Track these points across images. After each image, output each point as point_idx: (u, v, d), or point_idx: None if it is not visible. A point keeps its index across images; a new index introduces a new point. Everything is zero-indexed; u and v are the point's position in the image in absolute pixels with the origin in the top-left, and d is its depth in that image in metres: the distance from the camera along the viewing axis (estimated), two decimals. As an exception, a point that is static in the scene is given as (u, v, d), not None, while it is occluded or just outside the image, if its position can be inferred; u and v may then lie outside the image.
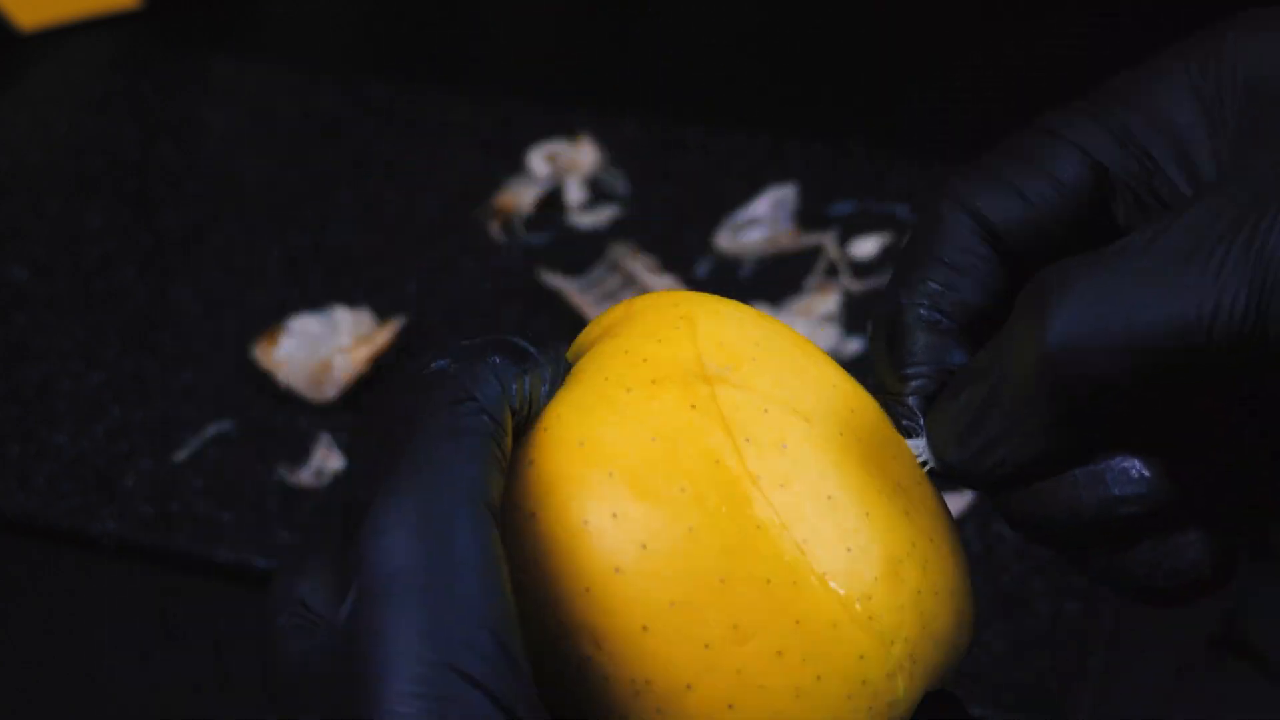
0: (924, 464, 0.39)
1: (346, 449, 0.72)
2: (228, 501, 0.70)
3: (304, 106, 0.94)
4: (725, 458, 0.36)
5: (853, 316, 0.78)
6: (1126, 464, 0.37)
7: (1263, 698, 0.62)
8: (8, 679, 0.65)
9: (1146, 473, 0.37)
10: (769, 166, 0.88)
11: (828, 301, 0.79)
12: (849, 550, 0.36)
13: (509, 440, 0.36)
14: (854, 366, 0.76)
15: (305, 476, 0.71)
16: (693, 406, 0.37)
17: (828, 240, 0.82)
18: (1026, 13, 1.01)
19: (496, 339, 0.37)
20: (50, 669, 0.65)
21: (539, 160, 0.88)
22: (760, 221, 0.84)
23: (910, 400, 0.39)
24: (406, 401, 0.35)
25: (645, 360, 0.39)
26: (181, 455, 0.72)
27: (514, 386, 0.36)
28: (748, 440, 0.37)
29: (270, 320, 0.78)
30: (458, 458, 0.34)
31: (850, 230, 0.83)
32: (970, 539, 0.67)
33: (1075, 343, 0.35)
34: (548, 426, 0.37)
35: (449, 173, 0.88)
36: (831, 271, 0.81)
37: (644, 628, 0.35)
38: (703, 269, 0.82)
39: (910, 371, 0.40)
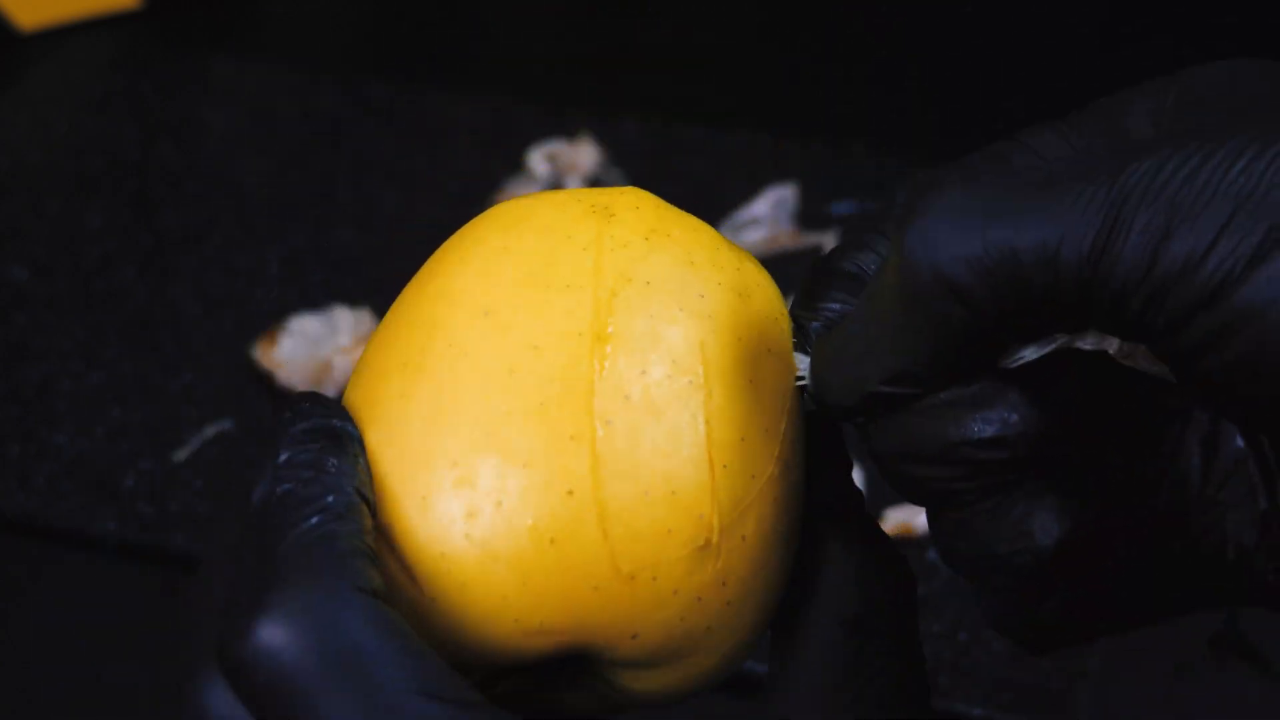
0: (800, 381, 0.39)
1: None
2: (228, 502, 0.70)
3: (304, 106, 0.94)
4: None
5: (853, 316, 0.78)
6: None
7: (1263, 698, 0.62)
8: (8, 679, 0.65)
9: (1013, 415, 0.36)
10: (769, 166, 0.88)
11: (828, 301, 0.79)
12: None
13: (368, 520, 0.36)
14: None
15: (305, 476, 0.71)
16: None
17: (828, 240, 0.82)
18: (1027, 12, 1.01)
19: (298, 434, 0.36)
20: (50, 669, 0.65)
21: (539, 160, 0.88)
22: (760, 221, 0.84)
23: (813, 326, 0.39)
24: (260, 542, 0.35)
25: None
26: (181, 455, 0.72)
27: (352, 476, 0.36)
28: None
29: (270, 320, 0.78)
30: (332, 575, 0.34)
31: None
32: (970, 539, 0.67)
33: (931, 249, 0.35)
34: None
35: (449, 173, 0.88)
36: (831, 271, 0.81)
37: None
38: (703, 269, 0.82)
39: (823, 307, 0.39)
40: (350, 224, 0.85)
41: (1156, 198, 0.33)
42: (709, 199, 0.86)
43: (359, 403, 0.38)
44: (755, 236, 0.83)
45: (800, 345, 0.39)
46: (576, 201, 0.40)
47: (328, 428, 0.36)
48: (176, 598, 0.68)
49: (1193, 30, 0.99)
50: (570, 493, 0.36)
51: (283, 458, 0.36)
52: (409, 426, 0.37)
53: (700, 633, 0.37)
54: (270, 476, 0.35)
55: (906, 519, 0.68)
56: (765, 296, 0.41)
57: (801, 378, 0.39)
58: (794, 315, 0.40)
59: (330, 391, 0.74)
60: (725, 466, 0.37)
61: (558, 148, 0.89)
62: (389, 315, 0.40)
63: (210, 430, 0.73)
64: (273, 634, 0.33)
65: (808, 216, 0.84)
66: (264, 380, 0.75)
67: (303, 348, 0.75)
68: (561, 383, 0.36)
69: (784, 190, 0.85)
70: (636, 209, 0.41)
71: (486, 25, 1.05)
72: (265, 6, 1.05)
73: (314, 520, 0.34)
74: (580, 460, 0.36)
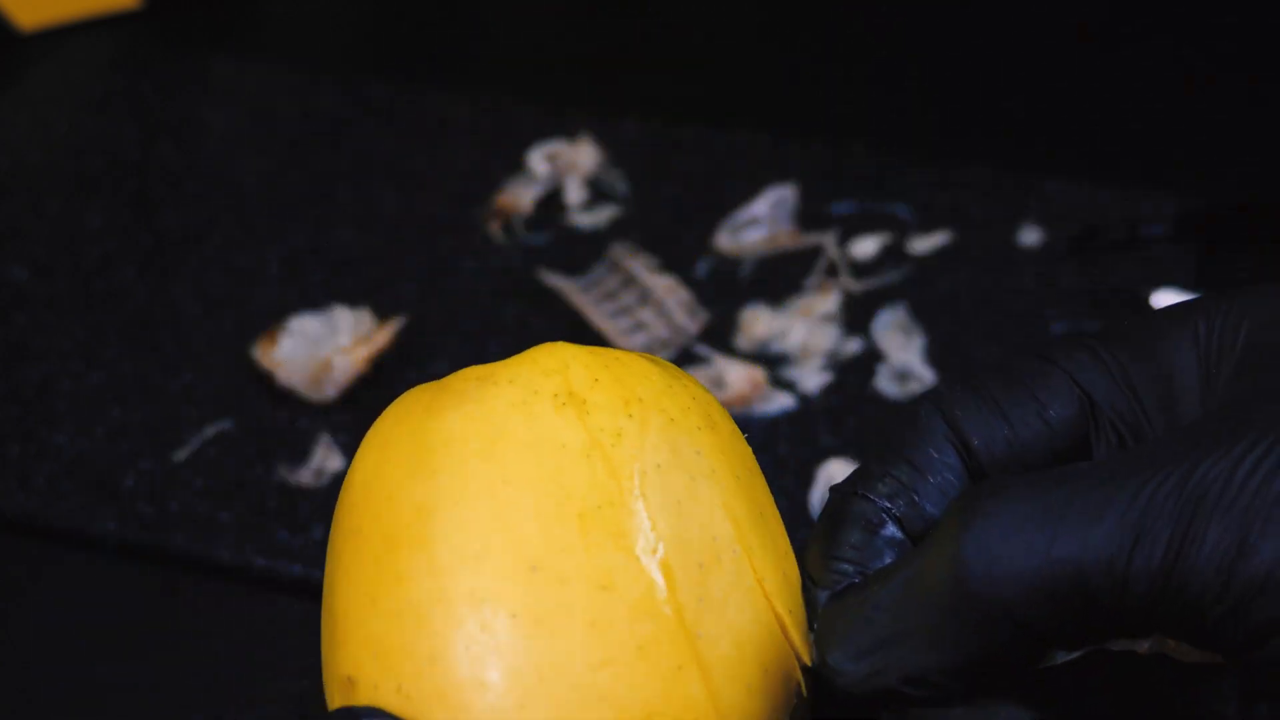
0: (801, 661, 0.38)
1: (346, 449, 0.72)
2: (227, 501, 0.70)
3: (304, 106, 0.94)
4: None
5: (852, 316, 0.78)
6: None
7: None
8: (8, 679, 0.65)
9: None
10: (769, 166, 0.88)
11: (827, 301, 0.79)
12: None
13: None
14: (851, 367, 0.76)
15: (305, 476, 0.71)
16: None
17: (828, 240, 0.82)
18: (1027, 12, 1.01)
19: None
20: (50, 669, 0.65)
21: (539, 160, 0.88)
22: (760, 221, 0.84)
23: (821, 595, 0.37)
24: None
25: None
26: (181, 455, 0.72)
27: None
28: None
29: (270, 320, 0.78)
30: None
31: (850, 230, 0.83)
32: (970, 539, 0.67)
33: (989, 565, 0.33)
34: None
35: (449, 173, 0.88)
36: (831, 271, 0.81)
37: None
38: (702, 269, 0.82)
39: (835, 567, 0.38)
40: (350, 224, 0.85)
41: (1232, 505, 0.32)
42: (709, 199, 0.86)
43: (416, 694, 0.35)
44: (755, 236, 0.83)
45: (810, 619, 0.38)
46: (535, 396, 0.38)
47: None
48: (176, 598, 0.68)
49: (1192, 31, 0.99)
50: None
51: None
52: (488, 698, 0.34)
53: None
54: None
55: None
56: (713, 409, 0.40)
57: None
58: (804, 575, 0.38)
59: (330, 392, 0.74)
60: (790, 612, 0.37)
61: (558, 148, 0.89)
62: (369, 566, 0.36)
63: (210, 430, 0.73)
64: None
65: (808, 216, 0.84)
66: (264, 380, 0.75)
67: (303, 348, 0.75)
68: (647, 615, 0.35)
69: (784, 190, 0.85)
70: (596, 381, 0.38)
71: (486, 25, 1.05)
72: (265, 6, 1.05)
73: None
74: (694, 686, 0.35)
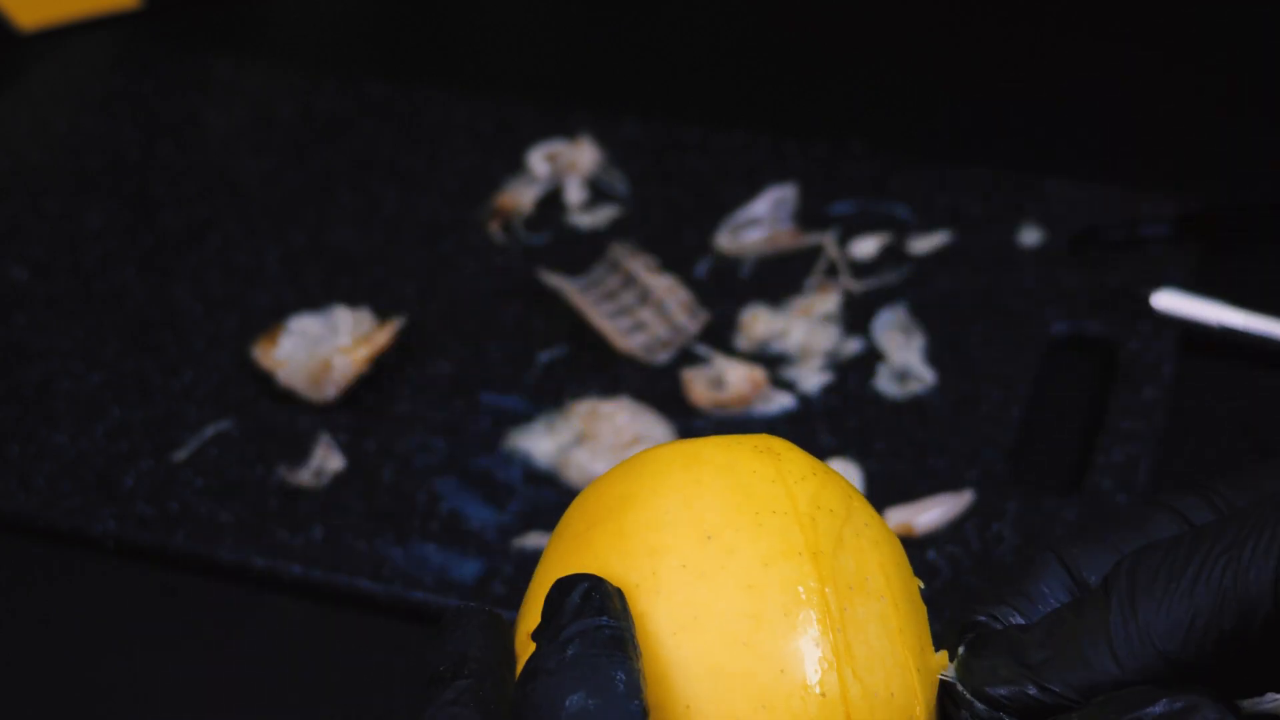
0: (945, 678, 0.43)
1: (346, 449, 0.72)
2: (228, 501, 0.70)
3: (304, 106, 0.94)
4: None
5: (853, 316, 0.78)
6: None
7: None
8: (8, 679, 0.65)
9: None
10: (769, 166, 0.88)
11: (828, 301, 0.79)
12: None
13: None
14: (851, 367, 0.76)
15: (305, 476, 0.71)
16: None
17: (828, 240, 0.82)
18: (1027, 13, 1.01)
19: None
20: (50, 669, 0.65)
21: (539, 160, 0.88)
22: (760, 221, 0.84)
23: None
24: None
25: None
26: (181, 455, 0.72)
27: (638, 694, 0.39)
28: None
29: (270, 320, 0.78)
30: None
31: (850, 230, 0.83)
32: (970, 538, 0.67)
33: (1136, 629, 0.39)
34: None
35: (449, 173, 0.88)
36: (831, 271, 0.81)
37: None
38: (702, 269, 0.82)
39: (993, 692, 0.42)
40: (350, 224, 0.85)
41: None
42: (709, 199, 0.86)
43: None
44: (755, 236, 0.83)
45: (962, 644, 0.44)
46: (738, 444, 0.44)
47: (615, 637, 0.39)
48: (176, 598, 0.68)
49: (1193, 30, 0.99)
50: (823, 694, 0.39)
51: (569, 652, 0.39)
52: (659, 628, 0.40)
53: None
54: (560, 669, 0.38)
55: (906, 519, 0.68)
56: (887, 531, 0.45)
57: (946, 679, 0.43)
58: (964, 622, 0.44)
59: (330, 391, 0.74)
60: (919, 670, 0.42)
61: (558, 148, 0.89)
62: (568, 541, 0.43)
63: (210, 430, 0.73)
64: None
65: (808, 216, 0.84)
66: (264, 380, 0.75)
67: (303, 348, 0.75)
68: (794, 594, 0.40)
69: (784, 190, 0.85)
70: (791, 449, 0.45)
71: (486, 25, 1.05)
72: (265, 6, 1.05)
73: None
74: (828, 661, 0.40)
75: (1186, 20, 0.99)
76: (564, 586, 0.40)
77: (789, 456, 0.44)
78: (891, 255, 0.82)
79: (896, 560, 0.43)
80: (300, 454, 0.72)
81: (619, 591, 0.40)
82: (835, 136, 0.90)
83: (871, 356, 0.76)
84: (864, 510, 0.44)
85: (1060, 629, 0.41)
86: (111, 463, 0.72)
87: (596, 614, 0.39)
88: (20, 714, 0.64)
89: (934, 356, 0.76)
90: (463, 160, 0.89)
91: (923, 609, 0.44)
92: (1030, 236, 0.82)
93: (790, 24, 1.03)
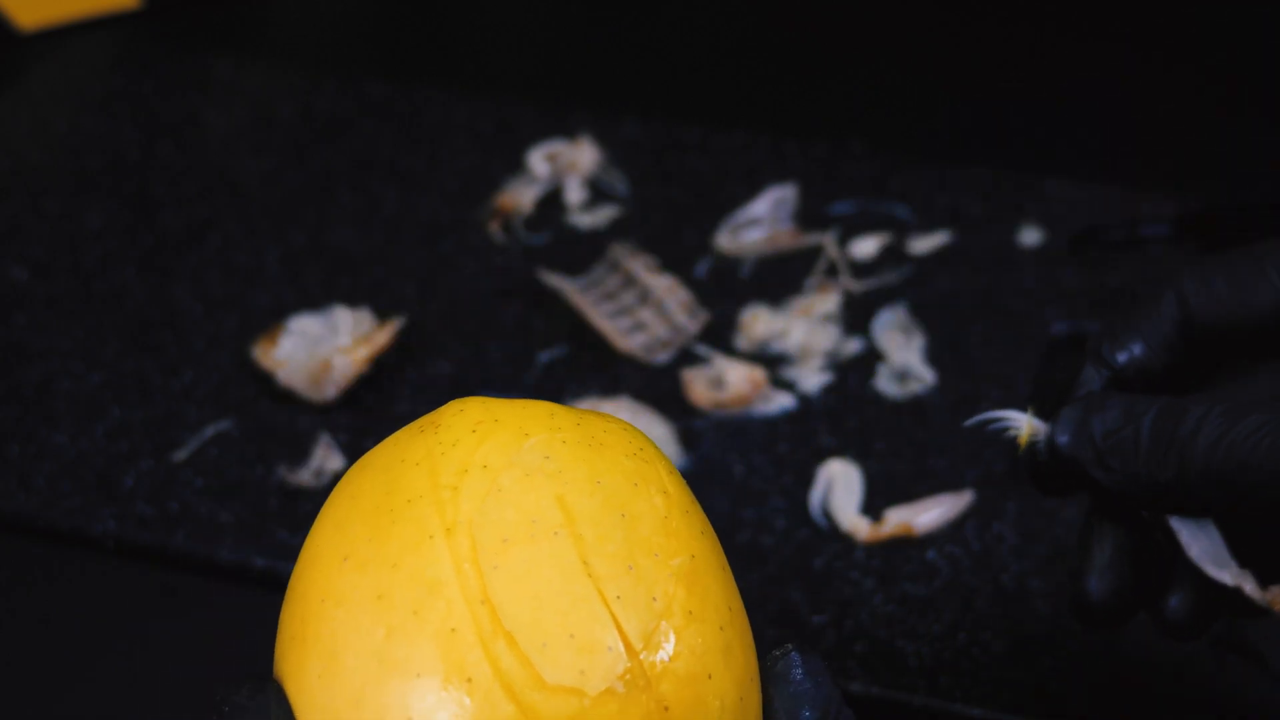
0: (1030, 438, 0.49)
1: (346, 449, 0.72)
2: (227, 501, 0.70)
3: (304, 106, 0.94)
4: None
5: (853, 316, 0.78)
6: None
7: (1263, 698, 0.62)
8: (8, 679, 0.65)
9: None
10: (769, 166, 0.88)
11: (827, 301, 0.79)
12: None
13: None
14: (851, 367, 0.76)
15: (305, 476, 0.71)
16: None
17: (828, 240, 0.82)
18: (1026, 13, 1.01)
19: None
20: (50, 669, 0.65)
21: (539, 160, 0.88)
22: (760, 221, 0.84)
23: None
24: None
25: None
26: (181, 455, 0.72)
27: None
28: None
29: (270, 320, 0.78)
30: None
31: (850, 230, 0.83)
32: (970, 539, 0.67)
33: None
34: None
35: (449, 173, 0.88)
36: (831, 271, 0.81)
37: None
38: (702, 269, 0.82)
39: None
40: (350, 224, 0.85)
41: None
42: (709, 199, 0.86)
43: (283, 675, 0.40)
44: (755, 236, 0.83)
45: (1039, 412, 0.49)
46: (414, 427, 0.41)
47: None
48: (176, 598, 0.68)
49: (1193, 30, 0.99)
50: (469, 680, 0.36)
51: None
52: (307, 675, 0.38)
53: None
54: None
55: (906, 519, 0.68)
56: (618, 438, 0.41)
57: (1034, 440, 0.49)
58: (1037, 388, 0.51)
59: (330, 391, 0.74)
60: (619, 598, 0.37)
61: (558, 148, 0.89)
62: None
63: (210, 430, 0.73)
64: None
65: (808, 216, 0.84)
66: (264, 380, 0.75)
67: (303, 348, 0.75)
68: (426, 583, 0.37)
69: (784, 190, 0.85)
70: (461, 411, 0.41)
71: (486, 25, 1.05)
72: (265, 6, 1.05)
73: None
74: (469, 646, 0.36)
75: (1186, 20, 0.99)
76: (211, 707, 0.39)
77: (451, 423, 0.40)
78: (891, 255, 0.82)
79: (592, 481, 0.39)
80: (300, 454, 0.72)
81: (265, 689, 0.39)
82: (835, 136, 0.90)
83: (871, 356, 0.76)
84: (548, 443, 0.40)
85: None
86: (111, 463, 0.72)
87: None
88: (20, 714, 0.64)
89: (934, 356, 0.76)
90: (463, 160, 0.89)
91: (658, 516, 0.40)
92: (1030, 236, 0.82)
93: (790, 24, 1.03)
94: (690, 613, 0.38)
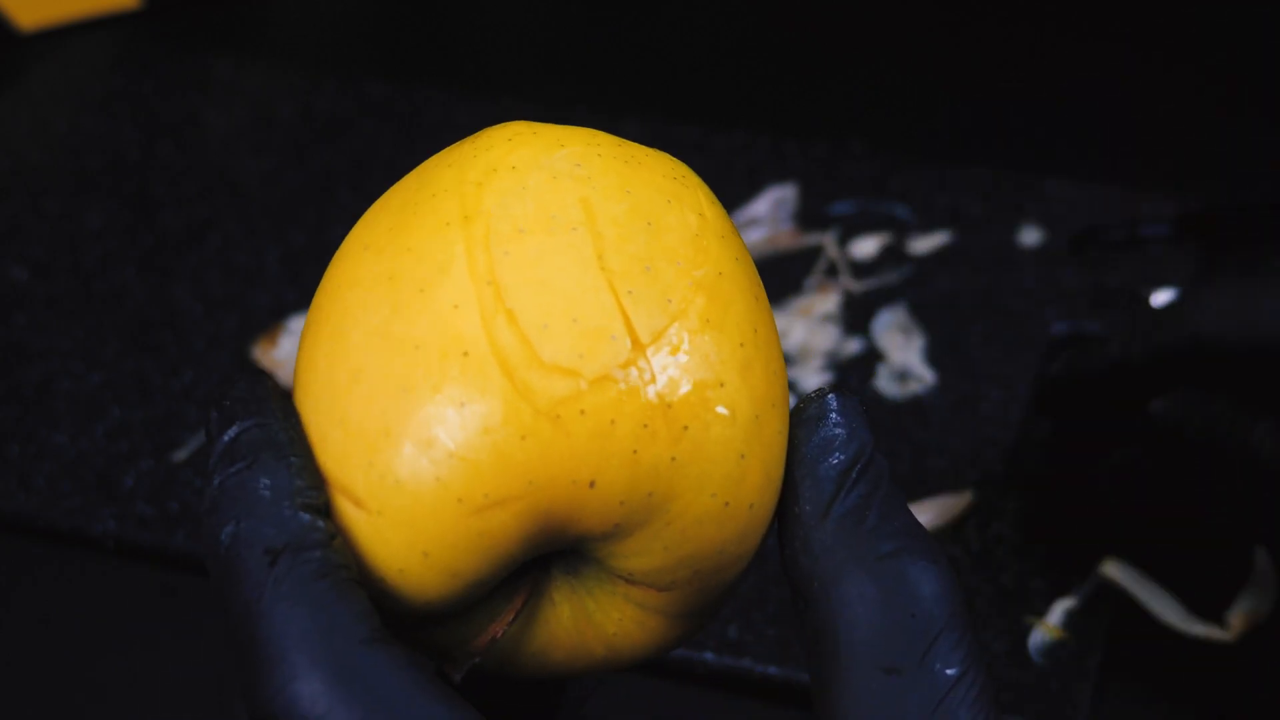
0: None
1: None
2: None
3: (304, 106, 0.94)
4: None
5: (852, 316, 0.78)
6: None
7: (1263, 698, 0.62)
8: (8, 679, 0.65)
9: None
10: (769, 166, 0.88)
11: (828, 301, 0.79)
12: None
13: (327, 521, 0.36)
14: (851, 367, 0.76)
15: (305, 476, 0.71)
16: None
17: (828, 240, 0.82)
18: (1026, 13, 1.01)
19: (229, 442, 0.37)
20: (50, 669, 0.65)
21: (539, 160, 0.88)
22: (760, 221, 0.84)
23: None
24: (228, 590, 0.36)
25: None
26: (181, 455, 0.72)
27: (288, 494, 0.36)
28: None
29: (270, 320, 0.78)
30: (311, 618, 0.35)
31: (850, 230, 0.83)
32: (970, 538, 0.67)
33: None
34: None
35: (449, 173, 0.88)
36: (831, 271, 0.81)
37: None
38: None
39: None
40: (350, 224, 0.85)
41: None
42: (709, 199, 0.86)
43: (296, 366, 0.39)
44: (755, 236, 0.83)
45: None
46: (457, 144, 0.41)
47: (256, 439, 0.37)
48: (176, 598, 0.68)
49: (1193, 30, 0.99)
50: (466, 354, 0.36)
51: (216, 482, 0.36)
52: (315, 355, 0.38)
53: (665, 466, 0.36)
54: (213, 506, 0.36)
55: (906, 519, 0.68)
56: (660, 161, 0.41)
57: None
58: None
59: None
60: (631, 293, 0.37)
61: (558, 148, 0.89)
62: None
63: (210, 430, 0.73)
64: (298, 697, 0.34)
65: (808, 216, 0.84)
66: (264, 380, 0.75)
67: (303, 348, 0.75)
68: (436, 264, 0.37)
69: (784, 190, 0.85)
70: (503, 128, 0.41)
71: (486, 25, 1.05)
72: (265, 6, 1.05)
73: (279, 565, 0.35)
74: (469, 321, 0.36)
75: (1186, 20, 0.99)
76: (210, 402, 0.38)
77: (494, 134, 0.40)
78: (891, 255, 0.82)
79: (621, 190, 0.38)
80: (300, 454, 0.72)
81: (261, 378, 0.38)
82: (835, 136, 0.90)
83: (871, 356, 0.76)
84: (582, 154, 0.39)
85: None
86: (111, 463, 0.72)
87: (230, 424, 0.37)
88: (20, 714, 0.64)
89: (934, 356, 0.76)
90: (463, 160, 0.89)
91: (687, 232, 0.39)
92: (1030, 236, 0.82)
93: (790, 24, 1.03)
94: (708, 320, 0.38)
